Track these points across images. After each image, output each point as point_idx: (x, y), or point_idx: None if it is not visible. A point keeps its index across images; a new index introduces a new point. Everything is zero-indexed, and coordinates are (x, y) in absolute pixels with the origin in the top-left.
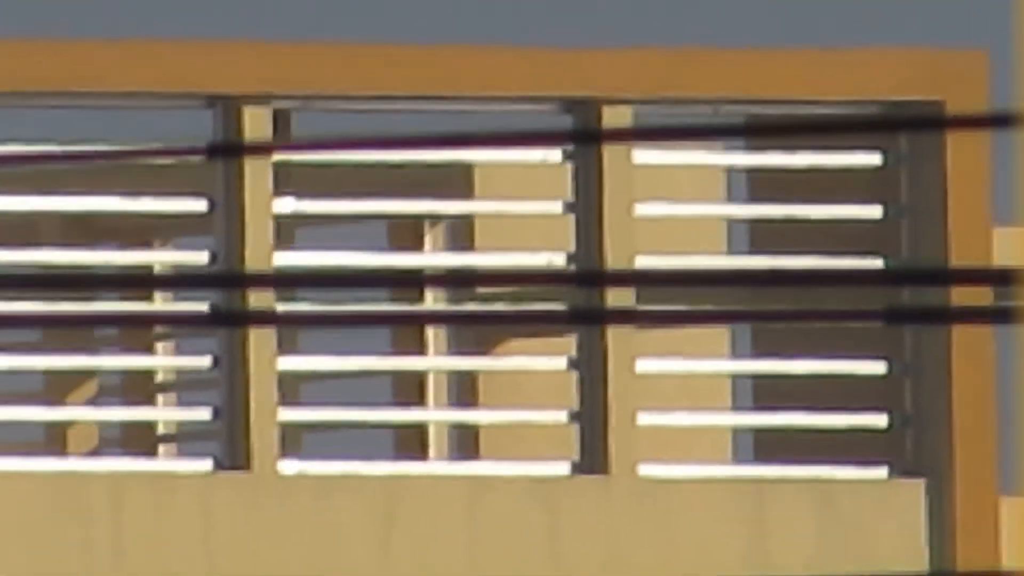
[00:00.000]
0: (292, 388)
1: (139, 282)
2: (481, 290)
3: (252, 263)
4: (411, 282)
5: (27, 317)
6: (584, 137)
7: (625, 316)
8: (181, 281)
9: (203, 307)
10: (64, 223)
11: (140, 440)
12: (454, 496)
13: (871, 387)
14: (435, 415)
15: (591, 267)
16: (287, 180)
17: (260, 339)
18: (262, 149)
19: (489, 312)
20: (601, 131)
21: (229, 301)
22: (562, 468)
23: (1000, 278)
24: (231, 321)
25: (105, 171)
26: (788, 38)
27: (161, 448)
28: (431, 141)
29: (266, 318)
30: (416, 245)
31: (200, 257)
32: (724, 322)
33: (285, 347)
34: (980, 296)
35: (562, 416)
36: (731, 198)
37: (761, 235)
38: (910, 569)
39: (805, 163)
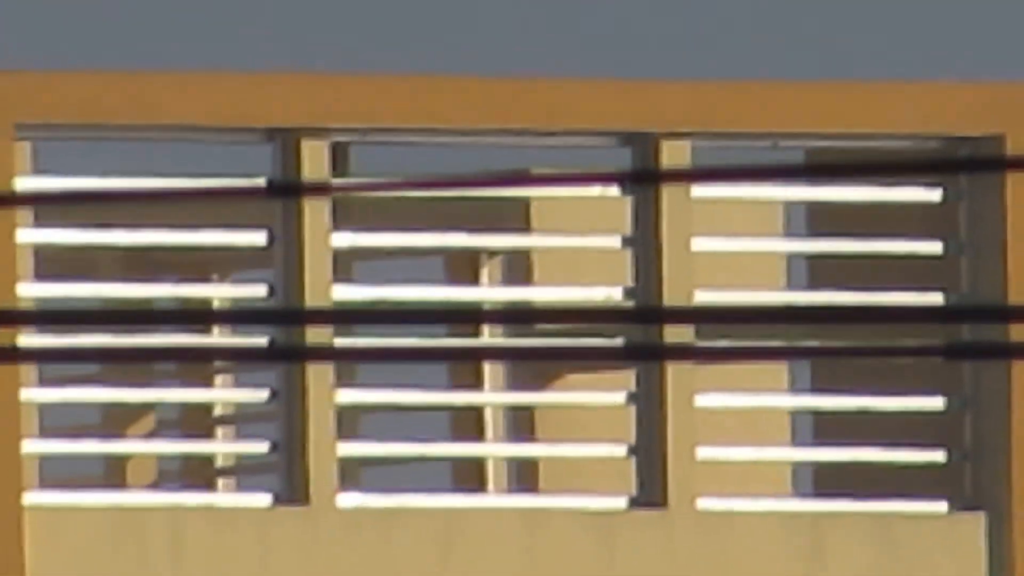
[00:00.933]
0: (351, 422)
1: (198, 317)
2: (539, 326)
3: (311, 297)
4: (469, 318)
5: (86, 351)
6: (642, 177)
7: (683, 353)
8: (239, 316)
9: (262, 341)
10: (123, 257)
11: (199, 473)
12: (512, 529)
13: (930, 422)
14: (493, 448)
15: (649, 301)
16: (345, 214)
17: (318, 372)
18: (320, 189)
19: (546, 347)
20: (659, 171)
21: (288, 335)
22: (620, 502)
23: None
24: (289, 356)
25: (164, 204)
26: (848, 72)
27: (220, 481)
28: (489, 181)
29: (323, 353)
30: (473, 279)
31: (259, 291)
32: (783, 359)
33: (343, 381)
34: None
35: (620, 450)
36: (790, 232)
37: (820, 270)
38: None
39: (864, 197)
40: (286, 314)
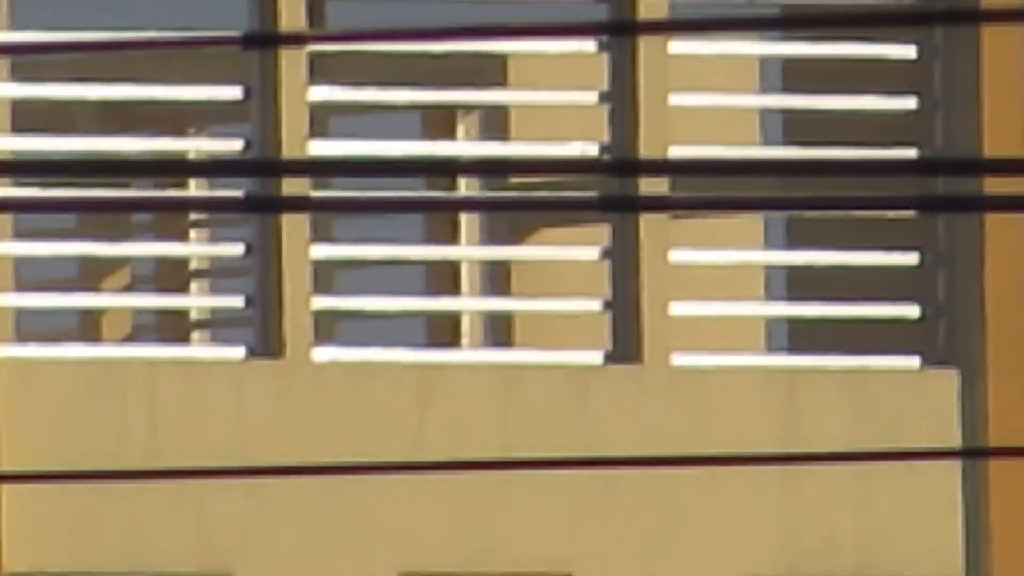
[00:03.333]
0: (326, 276)
1: (174, 168)
2: (515, 180)
3: (287, 151)
4: (445, 170)
5: (62, 202)
6: (620, 29)
7: (657, 203)
8: (215, 167)
9: (237, 194)
10: (99, 111)
11: (174, 327)
12: (487, 384)
13: (904, 278)
14: (468, 303)
15: (625, 156)
16: (322, 69)
17: (293, 227)
18: (297, 39)
19: (522, 199)
20: (636, 23)
21: (263, 188)
22: (595, 357)
23: None
24: (265, 207)
25: (140, 59)
26: None
27: (195, 335)
28: (467, 32)
29: (299, 203)
30: (450, 135)
31: (235, 145)
32: (757, 209)
33: (319, 235)
34: (1013, 185)
35: (595, 305)
36: (765, 89)
37: (795, 126)
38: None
39: (840, 53)
40: (262, 165)
